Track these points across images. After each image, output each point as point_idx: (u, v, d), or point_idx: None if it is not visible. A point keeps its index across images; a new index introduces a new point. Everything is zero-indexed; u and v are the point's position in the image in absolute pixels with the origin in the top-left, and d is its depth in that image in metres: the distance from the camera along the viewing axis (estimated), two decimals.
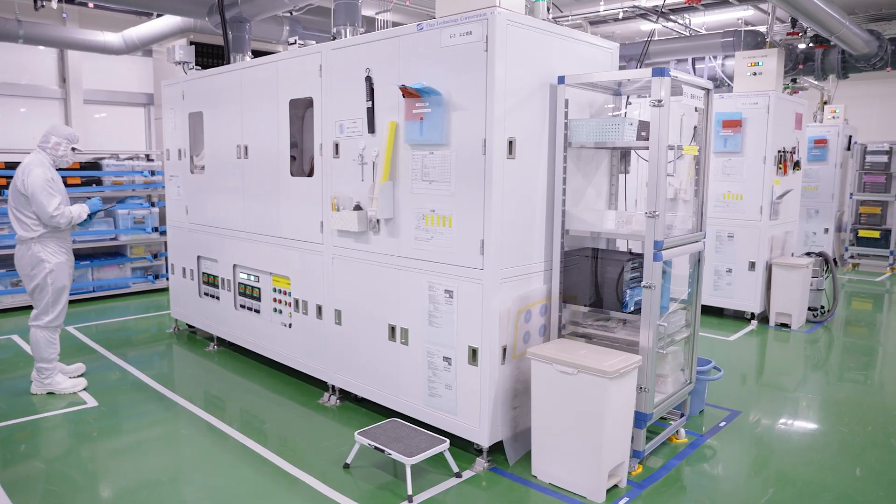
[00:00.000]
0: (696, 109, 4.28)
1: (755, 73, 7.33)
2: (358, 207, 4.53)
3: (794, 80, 10.50)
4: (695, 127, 7.74)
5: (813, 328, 7.42)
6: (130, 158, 9.05)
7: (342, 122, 4.65)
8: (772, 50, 7.22)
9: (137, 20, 10.39)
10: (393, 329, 4.42)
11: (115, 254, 9.05)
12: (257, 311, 5.78)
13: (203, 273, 6.56)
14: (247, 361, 6.05)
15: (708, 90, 4.07)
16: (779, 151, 7.35)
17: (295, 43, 5.64)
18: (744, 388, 5.49)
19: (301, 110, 5.31)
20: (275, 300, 5.58)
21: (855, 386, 5.61)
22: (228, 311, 6.16)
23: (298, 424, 4.68)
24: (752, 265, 7.35)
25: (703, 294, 7.66)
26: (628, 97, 4.65)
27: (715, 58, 8.61)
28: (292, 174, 5.26)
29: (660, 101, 3.50)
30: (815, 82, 11.53)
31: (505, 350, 3.91)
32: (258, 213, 5.66)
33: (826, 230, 11.42)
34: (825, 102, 11.87)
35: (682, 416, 4.37)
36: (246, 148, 5.71)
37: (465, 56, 3.78)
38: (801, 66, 8.85)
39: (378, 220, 4.42)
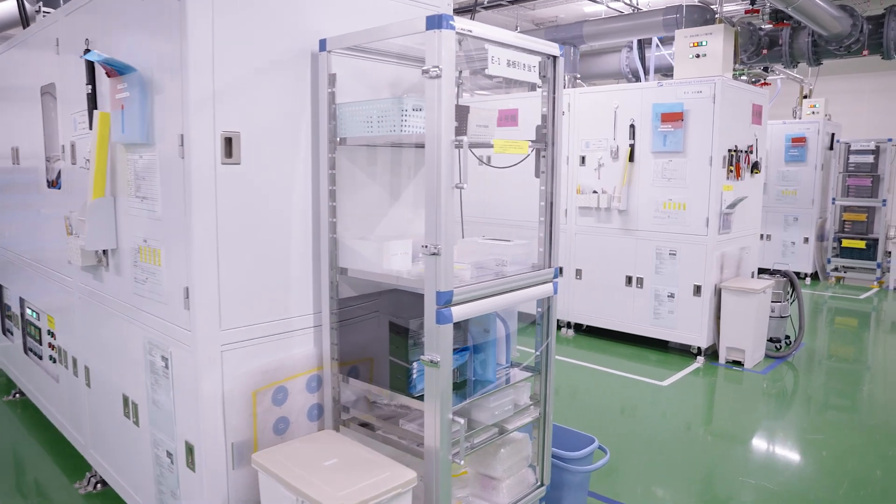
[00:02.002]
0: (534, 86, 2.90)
1: (698, 56, 5.94)
2: None
3: (765, 70, 9.09)
4: (631, 125, 6.39)
5: (772, 366, 6.01)
6: None
7: (75, 116, 3.32)
8: (717, 26, 5.82)
9: None
10: (126, 401, 3.09)
11: None
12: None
13: None
14: None
15: (554, 57, 2.68)
16: (730, 151, 5.95)
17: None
18: (655, 470, 4.10)
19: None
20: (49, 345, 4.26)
21: (814, 462, 4.21)
22: None
23: None
24: (697, 289, 5.95)
25: (642, 324, 6.29)
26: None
27: (661, 43, 7.26)
28: (48, 185, 3.93)
29: (436, 68, 2.13)
30: (791, 73, 10.11)
31: (241, 446, 2.57)
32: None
33: (806, 240, 9.98)
34: (805, 96, 10.45)
35: None
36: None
37: (159, 12, 2.44)
38: (765, 52, 7.44)
39: (105, 252, 3.09)
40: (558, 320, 7.04)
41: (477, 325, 2.68)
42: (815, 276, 10.16)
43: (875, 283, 9.59)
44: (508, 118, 7.24)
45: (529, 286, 2.64)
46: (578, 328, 6.99)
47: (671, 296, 6.12)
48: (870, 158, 9.54)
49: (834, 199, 9.89)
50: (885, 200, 9.44)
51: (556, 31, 7.02)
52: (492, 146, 2.44)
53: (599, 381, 5.58)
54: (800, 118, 10.19)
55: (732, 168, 5.99)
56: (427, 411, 2.32)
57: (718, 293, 5.97)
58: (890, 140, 9.39)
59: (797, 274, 10.10)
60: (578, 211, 6.70)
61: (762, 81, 9.26)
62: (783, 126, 10.05)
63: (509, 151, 2.43)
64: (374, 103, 2.48)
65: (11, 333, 5.10)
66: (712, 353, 6.11)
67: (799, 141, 9.89)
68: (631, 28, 6.74)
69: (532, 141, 2.68)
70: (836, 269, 10.03)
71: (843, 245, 9.85)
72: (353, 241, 2.63)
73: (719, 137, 5.76)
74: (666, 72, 7.14)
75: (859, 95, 12.58)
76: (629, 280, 6.40)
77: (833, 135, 10.15)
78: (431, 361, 2.26)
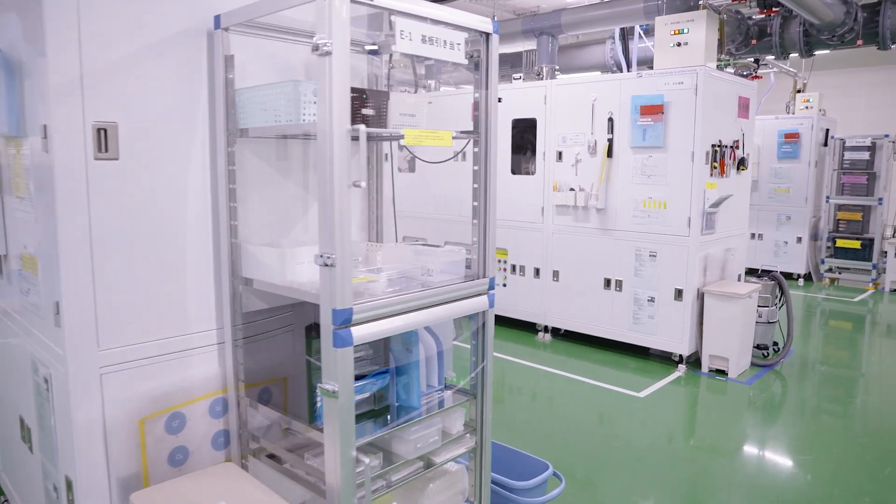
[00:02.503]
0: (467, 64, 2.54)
1: (679, 44, 5.60)
2: None
3: (756, 62, 8.75)
4: (609, 118, 6.05)
5: (758, 375, 5.68)
6: None
7: None
8: (699, 13, 5.48)
9: None
10: (22, 423, 2.77)
11: None
12: None
13: None
14: None
15: (486, 34, 2.35)
16: (713, 146, 5.62)
17: None
18: (625, 493, 3.77)
19: None
20: None
21: (800, 485, 3.89)
22: None
23: None
24: (679, 293, 5.62)
25: (622, 329, 5.97)
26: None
27: (645, 34, 6.92)
28: None
29: (326, 43, 1.80)
30: (783, 66, 9.76)
31: (128, 481, 2.26)
32: None
33: (799, 239, 9.65)
34: (798, 90, 10.11)
35: None
36: None
37: None
38: (754, 42, 7.10)
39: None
40: (534, 324, 6.72)
41: (399, 343, 2.35)
42: (808, 277, 9.83)
43: (870, 284, 9.26)
44: None
45: (458, 299, 2.31)
46: (556, 333, 6.67)
47: (651, 300, 5.79)
48: (865, 155, 9.20)
49: (828, 197, 9.56)
50: (881, 199, 9.11)
51: (533, 21, 6.69)
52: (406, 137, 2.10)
53: (571, 391, 5.26)
54: (793, 113, 9.85)
55: (716, 164, 5.65)
56: (327, 447, 1.99)
57: (701, 297, 5.64)
58: (886, 136, 9.05)
59: (789, 275, 9.78)
60: (555, 209, 6.37)
61: (753, 74, 8.92)
62: (776, 121, 9.71)
63: (425, 143, 2.10)
64: (270, 88, 2.15)
65: None
66: (695, 361, 5.78)
67: (792, 137, 9.55)
68: (611, 16, 6.41)
69: (463, 132, 2.34)
70: (830, 270, 9.70)
71: (837, 245, 9.52)
72: (256, 248, 2.31)
73: (702, 131, 5.42)
74: (651, 64, 6.81)
75: (855, 90, 12.23)
76: (608, 283, 6.07)
77: (827, 130, 9.81)
78: (329, 391, 1.94)
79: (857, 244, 9.34)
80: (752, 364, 5.84)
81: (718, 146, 5.66)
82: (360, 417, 2.27)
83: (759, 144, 9.82)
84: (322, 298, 1.92)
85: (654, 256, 5.74)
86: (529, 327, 6.79)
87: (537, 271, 6.59)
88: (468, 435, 2.51)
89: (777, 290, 6.12)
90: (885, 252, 9.14)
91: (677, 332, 5.66)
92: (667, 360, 5.87)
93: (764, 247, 9.96)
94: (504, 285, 6.90)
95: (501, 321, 7.11)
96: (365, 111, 2.21)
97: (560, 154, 6.29)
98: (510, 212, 6.75)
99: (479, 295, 2.38)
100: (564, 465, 3.67)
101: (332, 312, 1.90)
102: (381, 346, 2.36)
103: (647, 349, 6.06)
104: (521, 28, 6.86)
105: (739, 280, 6.32)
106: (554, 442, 4.28)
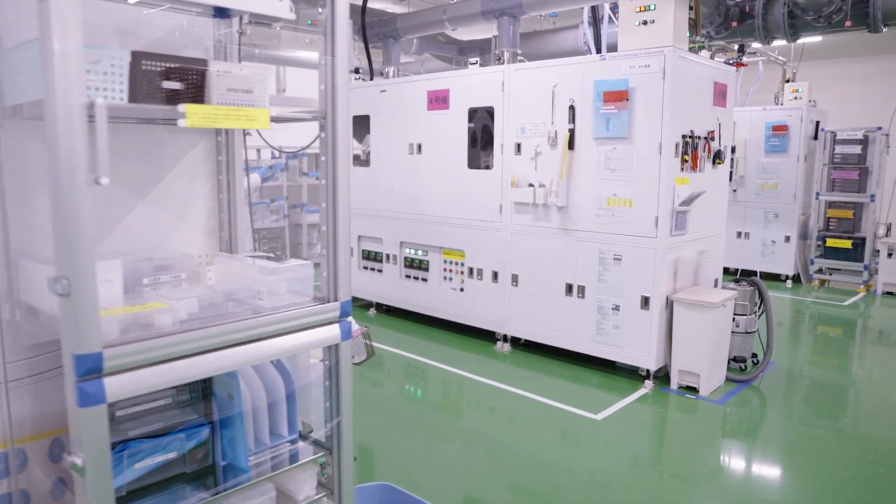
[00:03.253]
0: None
1: (645, 22, 5.04)
2: None
3: (741, 49, 8.20)
4: (571, 106, 5.50)
5: (734, 391, 5.14)
6: None
7: None
8: None
9: None
10: None
11: None
12: None
13: None
14: None
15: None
16: (684, 137, 5.07)
17: None
18: None
19: None
20: None
21: None
22: None
23: None
24: (646, 301, 5.08)
25: (585, 341, 5.44)
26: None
27: (615, 16, 6.35)
28: None
29: None
30: (772, 54, 9.23)
31: None
32: None
33: (787, 238, 9.12)
34: (788, 80, 9.56)
35: None
36: None
37: None
38: (735, 24, 6.55)
39: None
40: (493, 333, 6.18)
41: (221, 388, 1.80)
42: (797, 279, 9.31)
43: (862, 286, 8.74)
44: (439, 100, 6.35)
45: (297, 330, 1.76)
46: (516, 342, 6.12)
47: (616, 308, 5.25)
48: (857, 149, 8.66)
49: (818, 193, 9.02)
50: (873, 196, 8.58)
51: (493, 2, 6.14)
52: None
53: (522, 413, 4.72)
54: (781, 104, 9.30)
55: (688, 157, 5.11)
56: None
57: (671, 306, 5.10)
58: (879, 129, 8.51)
59: (777, 276, 9.26)
60: (514, 207, 5.82)
61: (738, 62, 8.39)
62: (763, 113, 9.17)
63: (224, 124, 1.54)
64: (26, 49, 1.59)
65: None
66: (665, 376, 5.25)
67: (780, 129, 9.01)
68: None
69: (304, 111, 1.78)
70: (819, 271, 9.18)
71: (827, 245, 8.99)
72: (26, 263, 1.75)
73: (670, 121, 4.87)
74: None
75: (849, 81, 11.69)
76: (570, 289, 5.53)
77: (818, 123, 9.27)
78: (76, 465, 1.39)
79: (848, 244, 8.82)
80: (728, 379, 5.30)
81: (690, 137, 5.11)
82: (170, 482, 1.73)
83: (745, 137, 9.29)
84: (63, 339, 1.37)
85: (619, 260, 5.19)
86: (488, 336, 6.26)
87: (495, 275, 6.05)
88: (324, 499, 1.97)
89: (756, 296, 5.59)
90: (878, 252, 8.62)
91: (644, 345, 5.12)
92: (634, 374, 5.34)
93: (750, 246, 9.43)
94: (461, 290, 6.36)
95: (459, 329, 6.57)
96: (169, 84, 1.66)
97: (518, 146, 5.74)
98: (467, 210, 6.21)
99: (329, 324, 1.83)
100: None
101: (73, 359, 1.35)
102: (200, 390, 1.81)
103: (614, 364, 5.52)
104: (481, 9, 6.30)
105: (717, 286, 5.79)
106: (490, 478, 3.74)
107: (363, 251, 7.36)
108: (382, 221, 7.05)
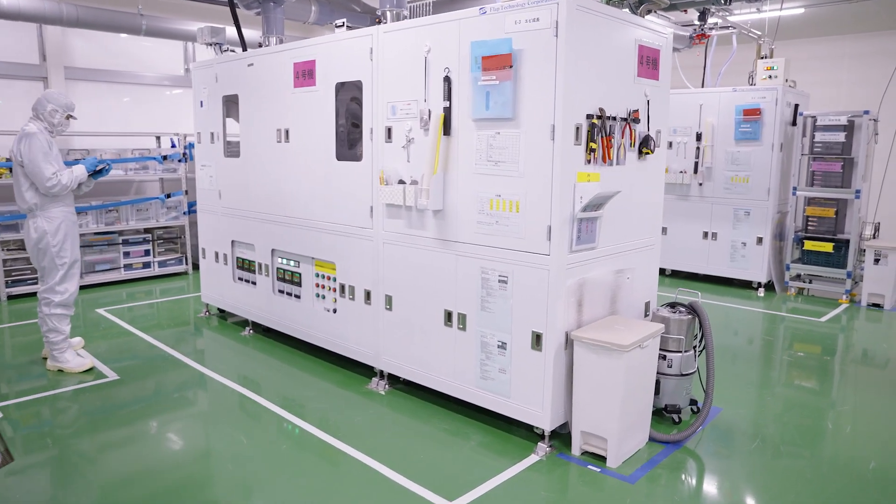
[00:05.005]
0: None
1: None
2: None
3: (702, 17, 6.71)
4: (446, 77, 3.98)
5: (656, 459, 3.72)
6: None
7: None
8: None
9: None
10: None
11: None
12: None
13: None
14: None
15: None
16: (590, 118, 3.63)
17: None
18: None
19: None
20: None
21: None
22: None
23: None
24: (537, 339, 3.66)
25: (466, 385, 4.04)
26: None
27: None
28: None
29: None
30: (743, 25, 7.73)
31: None
32: None
33: (760, 240, 7.67)
34: (763, 56, 8.06)
35: None
36: None
37: None
38: None
39: None
40: (372, 367, 4.79)
41: None
42: (770, 287, 7.86)
43: (844, 296, 7.29)
44: (305, 74, 4.91)
45: None
46: (395, 381, 4.72)
47: (502, 346, 3.83)
48: (840, 136, 7.18)
49: (795, 188, 7.55)
50: (858, 191, 7.11)
51: None
52: None
53: (360, 496, 3.32)
54: (754, 84, 7.81)
55: (596, 145, 3.67)
56: None
57: (570, 346, 3.69)
58: (866, 112, 7.03)
59: (748, 283, 7.83)
60: (386, 210, 4.41)
61: (700, 33, 6.92)
62: (733, 94, 7.69)
63: None
64: None
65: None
66: (568, 436, 3.84)
67: (752, 113, 7.53)
68: None
69: None
70: (798, 277, 7.73)
71: (805, 248, 7.53)
72: None
73: (566, 95, 3.43)
74: None
75: (839, 62, 10.16)
76: (448, 317, 4.12)
77: (797, 106, 7.78)
78: None
79: (829, 247, 7.35)
80: (652, 440, 3.89)
81: (599, 118, 3.67)
82: None
83: (712, 123, 7.82)
84: None
85: (505, 283, 3.78)
86: (368, 369, 4.86)
87: (368, 294, 4.64)
88: None
89: (697, 325, 4.17)
90: (864, 257, 7.16)
91: (536, 397, 3.71)
92: (531, 430, 3.94)
93: (718, 249, 7.99)
94: (334, 311, 4.96)
95: (332, 358, 5.18)
96: None
97: (389, 131, 4.31)
98: (337, 212, 4.79)
99: None
100: None
101: None
102: None
103: (507, 418, 4.10)
104: None
105: (648, 314, 4.37)
106: None
107: (237, 259, 5.96)
108: (254, 224, 5.65)
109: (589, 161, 3.65)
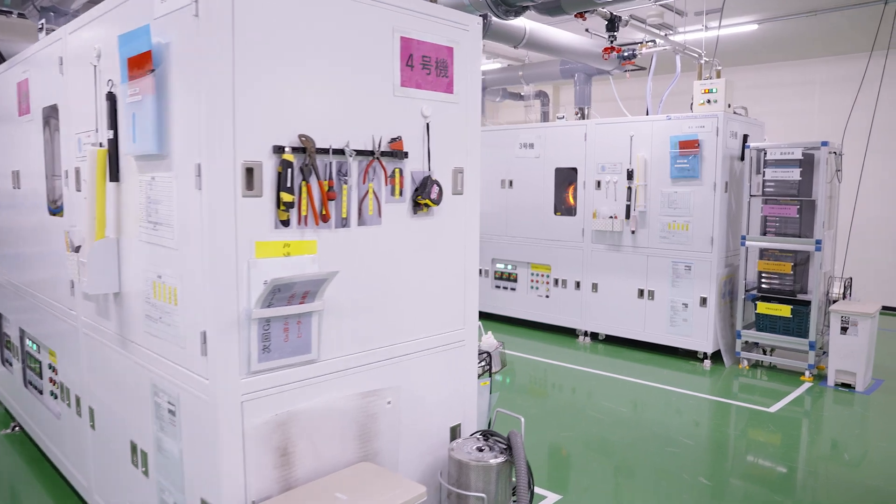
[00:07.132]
0: None
1: None
2: None
3: (612, 25, 5.28)
4: (109, 94, 2.56)
5: None
6: None
7: None
8: None
9: None
10: None
11: None
12: None
13: None
14: None
15: None
16: (279, 151, 2.16)
17: None
18: None
19: None
20: None
21: None
22: None
23: None
24: None
25: None
26: None
27: None
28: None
29: None
30: (676, 39, 6.29)
31: None
32: None
33: (704, 301, 6.07)
34: (708, 77, 6.54)
35: None
36: None
37: None
38: None
39: None
40: None
41: None
42: (718, 357, 6.22)
43: (808, 373, 5.63)
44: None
45: None
46: None
47: None
48: (795, 174, 5.62)
49: (744, 237, 5.96)
50: (819, 242, 5.51)
51: None
52: None
53: None
54: (693, 112, 6.29)
55: (292, 197, 2.19)
56: None
57: None
58: (824, 144, 5.47)
59: (693, 353, 6.22)
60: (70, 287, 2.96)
61: (607, 47, 5.49)
62: (667, 123, 6.19)
63: None
64: None
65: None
66: None
67: (689, 146, 6.02)
68: None
69: None
70: (756, 345, 6.09)
71: (757, 311, 5.91)
72: None
73: (223, 114, 1.98)
74: None
75: (809, 88, 8.64)
76: (134, 452, 2.63)
77: (746, 137, 6.25)
78: None
79: (786, 310, 5.73)
80: None
81: (304, 151, 2.20)
82: None
83: (645, 158, 6.32)
84: None
85: (174, 414, 2.28)
86: None
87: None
88: None
89: (506, 464, 2.63)
90: (829, 323, 5.52)
91: None
92: None
93: (656, 311, 6.39)
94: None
95: None
96: None
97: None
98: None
99: None
100: None
101: None
102: None
103: None
104: None
105: (453, 444, 2.82)
106: None
107: None
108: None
109: (286, 222, 2.17)
